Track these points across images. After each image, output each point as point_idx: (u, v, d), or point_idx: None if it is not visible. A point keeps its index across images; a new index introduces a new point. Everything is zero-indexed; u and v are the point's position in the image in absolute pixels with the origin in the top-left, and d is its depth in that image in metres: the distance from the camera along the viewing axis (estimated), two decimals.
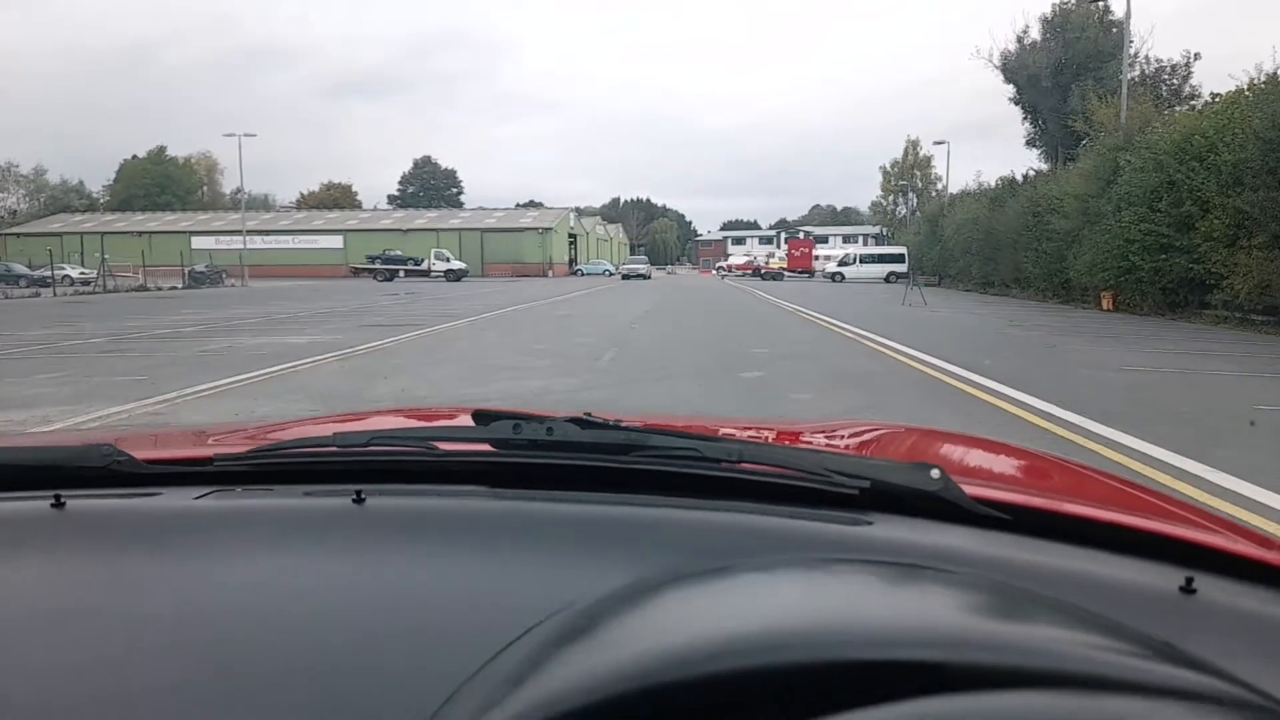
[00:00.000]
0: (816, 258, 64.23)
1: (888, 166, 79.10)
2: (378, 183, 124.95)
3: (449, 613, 0.68)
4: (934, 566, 0.67)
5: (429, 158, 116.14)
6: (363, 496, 0.85)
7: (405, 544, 0.79)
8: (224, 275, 45.54)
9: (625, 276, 58.94)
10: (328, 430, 1.08)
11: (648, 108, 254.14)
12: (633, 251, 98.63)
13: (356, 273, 56.64)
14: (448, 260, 54.97)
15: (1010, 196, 33.27)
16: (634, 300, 27.37)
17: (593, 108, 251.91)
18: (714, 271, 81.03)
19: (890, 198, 79.72)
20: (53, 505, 0.85)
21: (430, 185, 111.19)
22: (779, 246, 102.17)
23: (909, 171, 77.26)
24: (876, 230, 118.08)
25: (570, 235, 75.08)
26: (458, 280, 53.77)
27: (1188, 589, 0.70)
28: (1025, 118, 37.67)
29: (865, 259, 53.14)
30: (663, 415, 2.14)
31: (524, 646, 0.58)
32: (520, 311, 21.22)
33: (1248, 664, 0.57)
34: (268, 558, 0.78)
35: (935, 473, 0.82)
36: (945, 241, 41.97)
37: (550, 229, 67.42)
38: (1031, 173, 34.51)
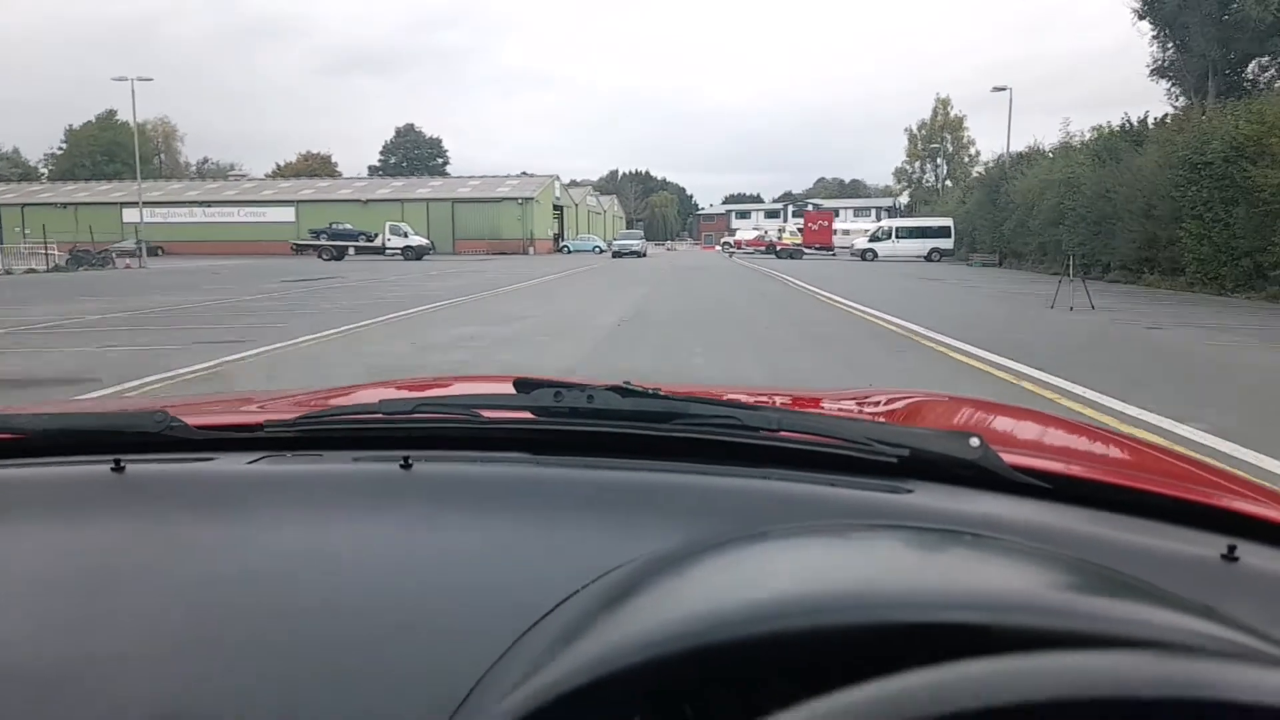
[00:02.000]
0: (834, 232, 54.78)
1: (914, 128, 69.38)
2: (364, 156, 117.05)
3: (497, 576, 0.68)
4: (974, 532, 0.67)
5: (412, 126, 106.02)
6: (410, 462, 0.85)
7: (452, 509, 0.80)
8: (113, 255, 36.20)
9: (617, 254, 49.72)
10: (374, 397, 1.13)
11: (648, 84, 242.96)
12: (629, 225, 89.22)
13: (299, 250, 47.32)
14: (405, 235, 45.68)
15: (1132, 146, 24.11)
16: (615, 291, 18.40)
17: (592, 84, 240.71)
18: (718, 248, 71.67)
19: (917, 164, 70.08)
20: (113, 469, 0.87)
21: (413, 155, 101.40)
22: (786, 220, 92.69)
23: (938, 134, 67.62)
24: (890, 203, 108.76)
25: (556, 207, 65.53)
26: (417, 259, 44.66)
27: (1230, 556, 0.69)
28: (1156, 35, 28.04)
29: (902, 233, 43.72)
30: (701, 384, 2.13)
31: (571, 609, 0.59)
32: (416, 321, 12.22)
33: None
34: (319, 522, 0.79)
35: (974, 441, 0.81)
36: (1014, 211, 32.78)
37: (531, 199, 57.94)
38: (1168, 113, 25.01)
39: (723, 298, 17.11)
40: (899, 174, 71.39)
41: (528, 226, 57.55)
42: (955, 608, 0.49)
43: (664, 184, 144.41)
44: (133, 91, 38.20)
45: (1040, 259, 30.50)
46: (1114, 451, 1.28)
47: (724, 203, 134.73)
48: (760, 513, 0.75)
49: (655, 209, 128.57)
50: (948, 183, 66.29)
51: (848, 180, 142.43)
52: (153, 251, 55.81)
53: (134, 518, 0.81)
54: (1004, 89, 37.76)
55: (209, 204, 60.29)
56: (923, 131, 68.43)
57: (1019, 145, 42.42)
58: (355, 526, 0.77)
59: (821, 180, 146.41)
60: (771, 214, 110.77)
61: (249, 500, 0.83)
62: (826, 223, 53.42)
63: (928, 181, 69.48)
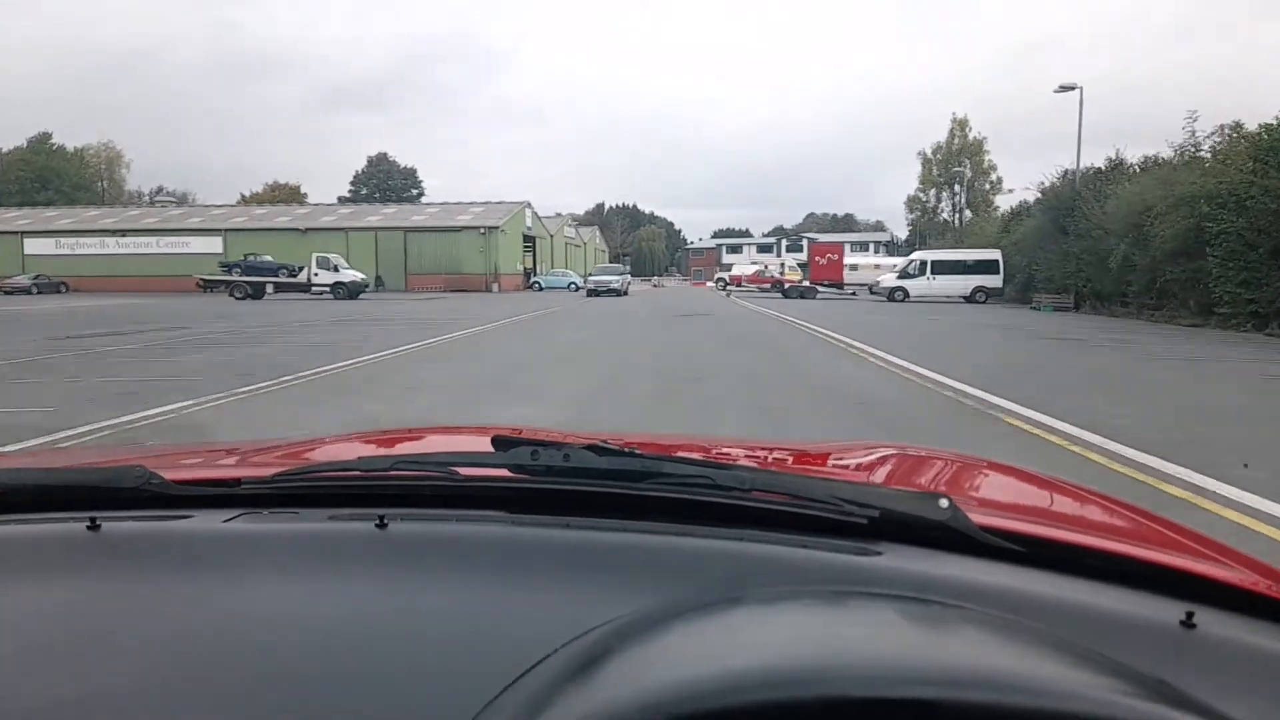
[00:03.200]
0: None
1: (928, 152, 61.50)
2: (339, 188, 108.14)
3: (468, 639, 0.68)
4: (939, 601, 0.68)
5: (385, 154, 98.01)
6: (385, 522, 0.85)
7: (426, 570, 0.79)
8: None
9: (593, 292, 41.13)
10: (352, 452, 1.16)
11: (638, 121, 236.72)
12: (613, 259, 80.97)
13: (206, 287, 38.63)
14: (336, 269, 37.14)
15: None
16: (538, 376, 9.77)
17: (581, 121, 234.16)
18: (710, 284, 63.38)
19: (932, 191, 62.12)
20: (88, 528, 0.85)
21: (386, 186, 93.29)
22: (781, 254, 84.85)
23: (955, 158, 59.80)
24: (888, 237, 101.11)
25: (527, 238, 57.12)
26: (351, 297, 36.17)
27: (1188, 623, 0.69)
28: None
29: (939, 268, 35.32)
30: (679, 436, 2.12)
31: (541, 675, 0.59)
32: None
33: (1246, 702, 0.58)
34: (293, 583, 0.78)
35: (944, 502, 0.82)
36: (1102, 239, 24.58)
37: (496, 228, 49.37)
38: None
39: (768, 392, 8.43)
40: (911, 203, 63.37)
41: (491, 259, 49.00)
42: (914, 683, 0.50)
43: (652, 218, 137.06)
44: None
45: (1154, 303, 22.15)
46: (1083, 509, 1.26)
47: (713, 237, 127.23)
48: (733, 576, 0.75)
49: (643, 243, 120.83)
50: (966, 212, 58.44)
51: (840, 214, 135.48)
52: (55, 287, 47.36)
53: (110, 577, 0.79)
54: (1072, 88, 29.71)
55: (124, 233, 51.50)
56: (938, 155, 60.65)
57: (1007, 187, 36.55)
58: (329, 588, 0.76)
59: (811, 215, 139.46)
60: (764, 248, 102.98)
61: (225, 560, 0.82)
62: (836, 256, 44.48)
63: (942, 212, 61.59)
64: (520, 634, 0.66)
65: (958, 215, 59.72)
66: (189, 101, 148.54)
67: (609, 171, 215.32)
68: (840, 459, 1.60)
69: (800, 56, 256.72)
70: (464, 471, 0.94)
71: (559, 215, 73.61)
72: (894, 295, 35.28)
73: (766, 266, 51.58)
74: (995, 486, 1.42)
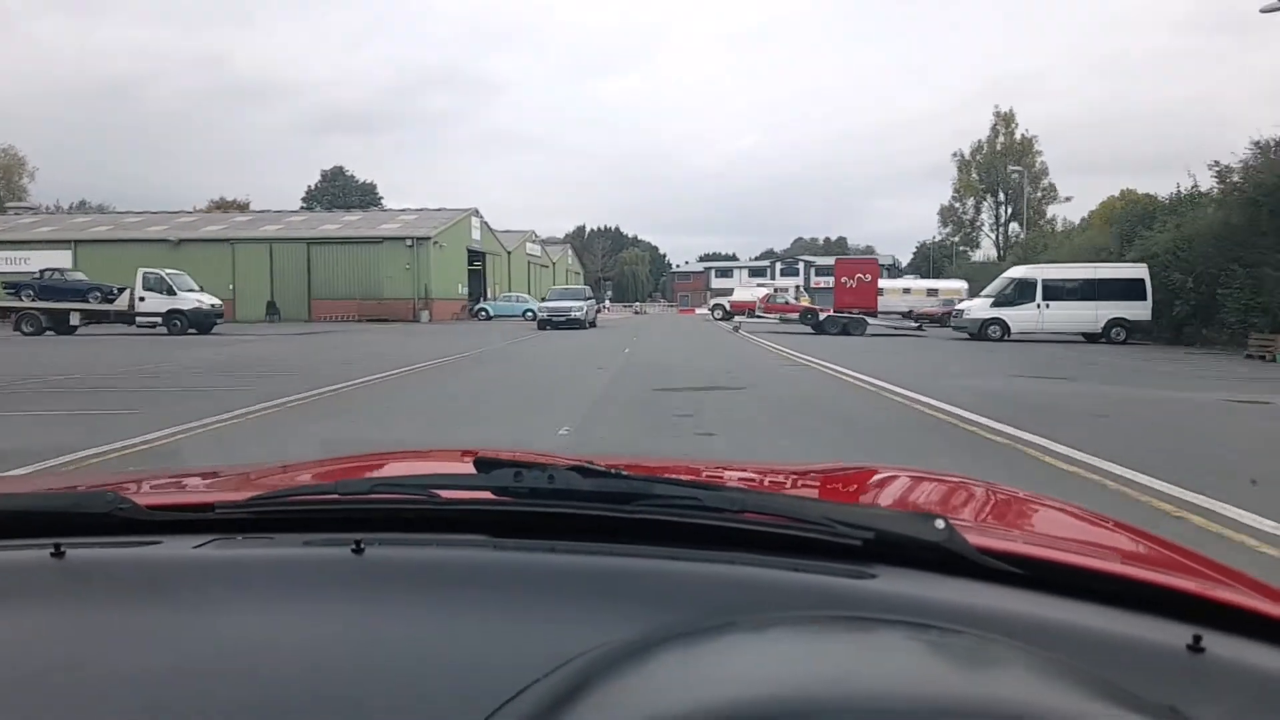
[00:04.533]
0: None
1: (965, 154, 50.07)
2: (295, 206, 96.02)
3: (448, 668, 0.65)
4: (936, 625, 0.65)
5: (341, 169, 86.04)
6: (362, 547, 0.81)
7: (404, 596, 0.76)
8: None
9: (545, 323, 29.29)
10: (331, 474, 1.14)
11: (620, 145, 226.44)
12: (595, 283, 68.97)
13: None
14: (172, 292, 25.14)
15: None
16: None
17: (562, 145, 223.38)
18: (704, 311, 51.79)
19: (970, 201, 50.70)
20: (52, 555, 0.82)
21: (341, 204, 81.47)
22: (773, 278, 73.51)
23: (1000, 159, 48.53)
24: (888, 261, 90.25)
25: (474, 253, 45.16)
26: (200, 330, 24.57)
27: (1196, 647, 0.66)
28: None
29: (1055, 291, 23.74)
30: (666, 458, 1.98)
31: (522, 705, 0.57)
32: None
33: None
34: (265, 610, 0.75)
35: (939, 523, 0.78)
36: None
37: (428, 240, 37.49)
38: None
39: None
40: (945, 214, 52.10)
41: (421, 280, 37.10)
42: (907, 714, 0.48)
43: (635, 241, 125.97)
44: None
45: None
46: (1083, 531, 1.22)
47: (700, 260, 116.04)
48: (723, 600, 0.72)
49: (625, 266, 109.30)
50: (1014, 225, 47.20)
51: (833, 239, 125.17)
52: None
53: (74, 606, 0.75)
54: None
55: None
56: (978, 156, 49.42)
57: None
58: (303, 615, 0.72)
59: (800, 240, 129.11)
60: (756, 271, 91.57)
61: (196, 587, 0.78)
62: (869, 276, 31.30)
63: (980, 224, 50.32)
64: (502, 662, 0.63)
65: (1001, 229, 48.39)
66: (164, 124, 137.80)
67: (591, 195, 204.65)
68: (836, 481, 1.56)
69: (788, 83, 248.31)
70: (445, 494, 0.90)
71: (530, 231, 61.78)
72: (987, 330, 23.61)
73: (777, 290, 39.83)
74: (995, 508, 1.36)
